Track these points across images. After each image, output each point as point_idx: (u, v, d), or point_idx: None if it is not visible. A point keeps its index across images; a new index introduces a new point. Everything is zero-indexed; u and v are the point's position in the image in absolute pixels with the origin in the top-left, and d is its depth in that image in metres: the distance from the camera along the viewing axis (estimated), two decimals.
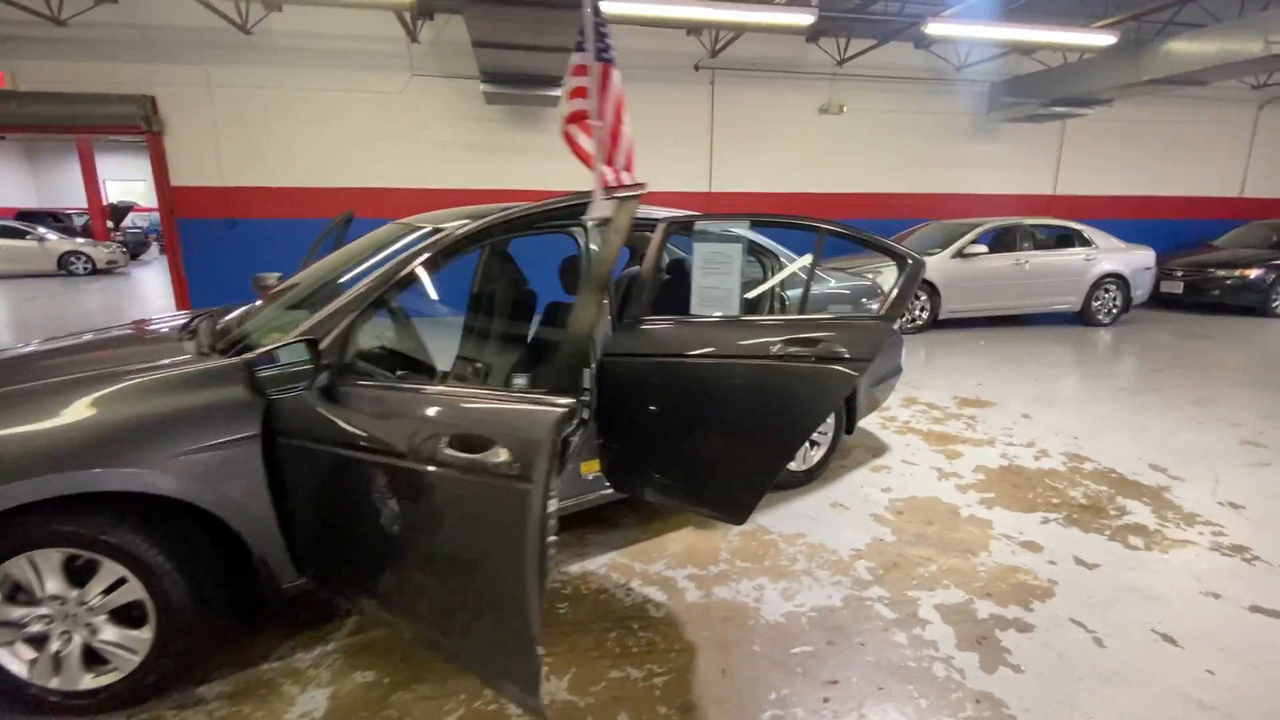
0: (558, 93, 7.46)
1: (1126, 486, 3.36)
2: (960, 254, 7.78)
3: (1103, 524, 2.95)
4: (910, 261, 2.54)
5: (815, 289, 3.20)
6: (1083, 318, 8.29)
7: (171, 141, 8.08)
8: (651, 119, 9.07)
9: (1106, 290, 8.23)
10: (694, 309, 2.52)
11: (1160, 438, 4.08)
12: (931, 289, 7.70)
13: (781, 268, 3.26)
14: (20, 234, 14.30)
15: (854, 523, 2.96)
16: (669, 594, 2.40)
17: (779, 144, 9.60)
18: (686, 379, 2.34)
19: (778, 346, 2.27)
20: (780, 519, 3.00)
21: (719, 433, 2.32)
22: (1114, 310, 8.33)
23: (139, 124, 7.74)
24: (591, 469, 2.60)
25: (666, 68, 8.97)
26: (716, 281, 2.48)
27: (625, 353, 2.43)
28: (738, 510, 2.24)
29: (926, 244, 8.19)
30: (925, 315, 7.77)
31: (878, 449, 3.90)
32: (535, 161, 8.91)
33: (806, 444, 3.32)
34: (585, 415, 2.54)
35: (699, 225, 2.60)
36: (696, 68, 9.06)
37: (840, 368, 2.24)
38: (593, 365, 2.50)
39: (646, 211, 2.80)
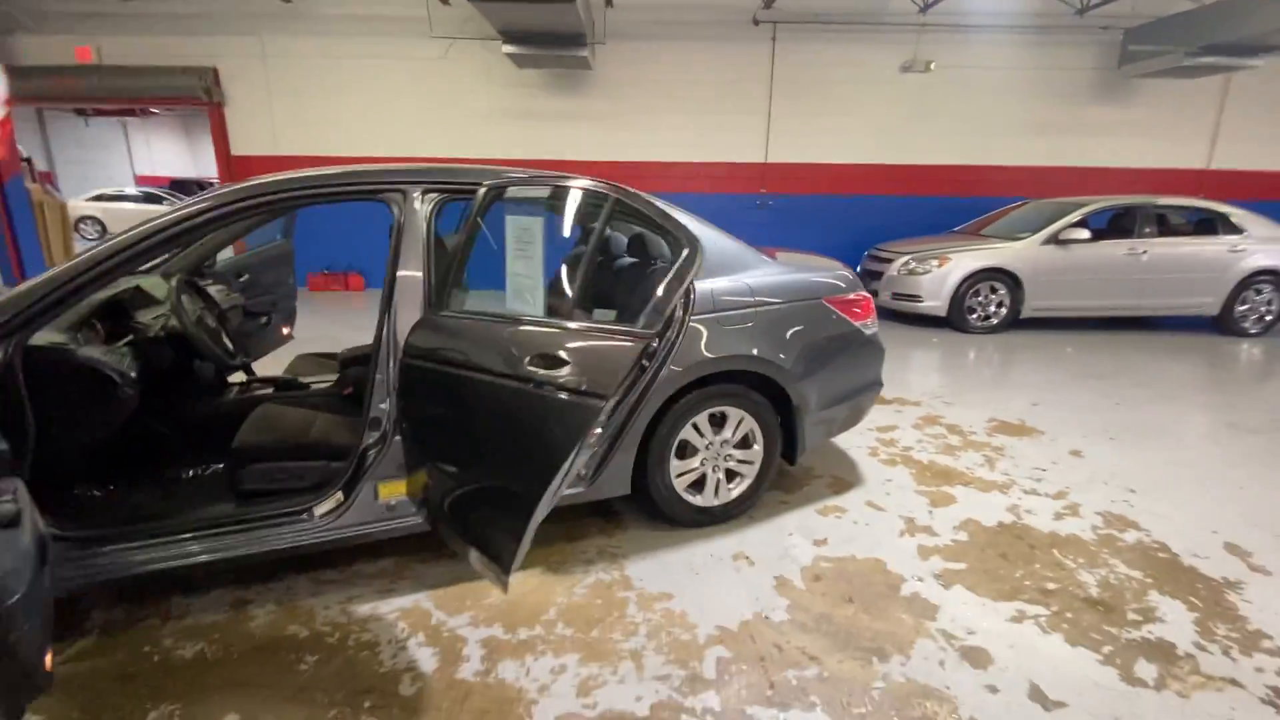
0: (584, 53, 6.89)
1: (1174, 575, 2.39)
2: (1055, 239, 6.41)
3: (1107, 633, 2.06)
4: (688, 250, 1.82)
5: (708, 285, 2.48)
6: (1222, 325, 6.61)
7: (231, 112, 8.43)
8: (701, 83, 8.27)
9: (1258, 291, 6.48)
10: (507, 303, 1.95)
11: (1260, 504, 2.94)
12: (1013, 280, 6.42)
13: (668, 250, 2.56)
14: (159, 200, 16.01)
15: (747, 586, 2.28)
16: (443, 663, 1.90)
17: (849, 108, 8.43)
18: (461, 390, 1.81)
19: (518, 362, 1.71)
20: (655, 570, 2.38)
21: (485, 462, 1.79)
22: (1268, 318, 6.55)
23: (200, 95, 8.12)
24: (396, 492, 2.14)
25: (718, 23, 8.09)
26: (524, 268, 1.89)
27: (418, 353, 1.94)
28: (500, 567, 1.69)
29: (1017, 227, 6.86)
30: (1003, 311, 6.50)
31: (845, 483, 3.11)
32: (574, 129, 8.45)
33: (722, 474, 2.65)
34: (385, 426, 2.09)
35: (513, 192, 2.01)
36: (755, 21, 8.09)
37: (567, 396, 1.63)
38: (390, 364, 2.03)
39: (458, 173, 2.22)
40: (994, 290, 6.50)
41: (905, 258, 6.79)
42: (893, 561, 2.45)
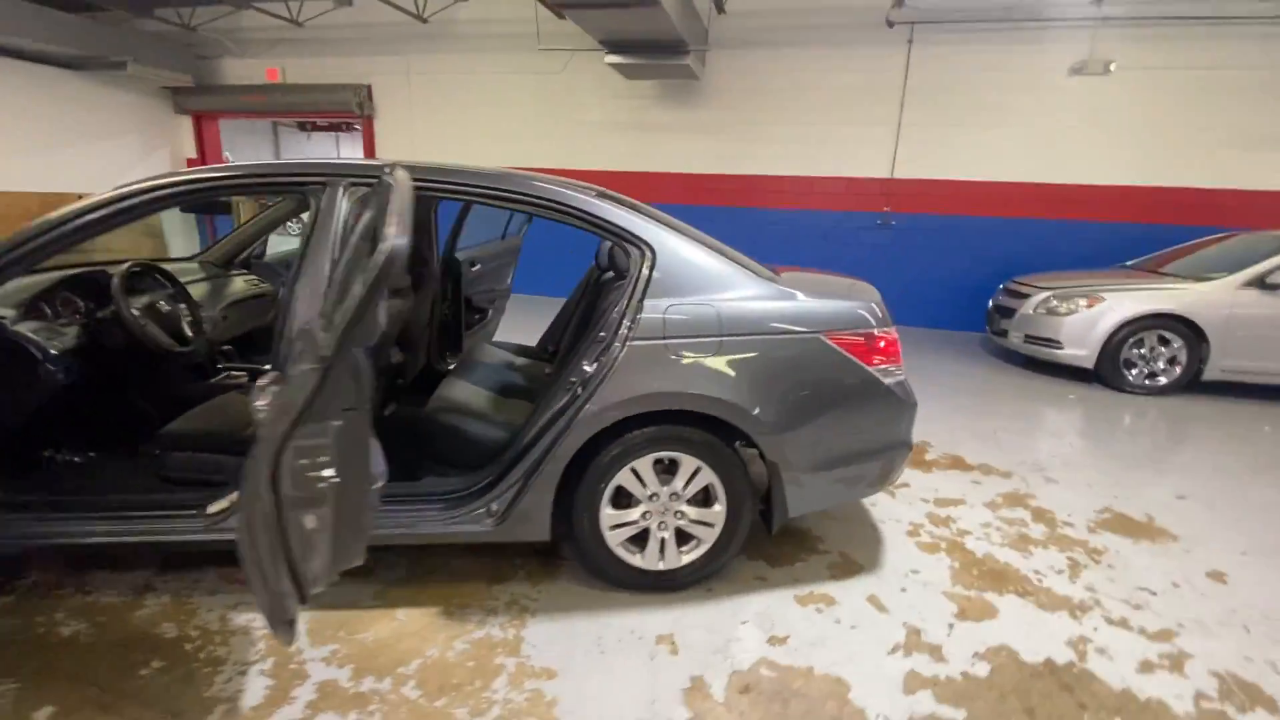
0: (685, 60, 6.63)
1: None
2: (1262, 282, 4.95)
3: None
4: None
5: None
6: None
7: (380, 125, 9.33)
8: (820, 91, 7.63)
9: None
10: None
11: None
12: (1193, 331, 5.05)
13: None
14: None
15: (651, 683, 1.83)
16: (267, 700, 1.71)
17: (998, 118, 7.27)
18: None
19: None
20: (556, 636, 2.01)
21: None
22: None
23: (354, 109, 9.07)
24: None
25: (843, 26, 7.40)
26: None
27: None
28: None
29: (1210, 265, 5.45)
30: (1176, 370, 5.14)
31: (854, 565, 2.49)
32: (684, 141, 8.20)
33: (669, 533, 2.21)
34: None
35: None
36: (890, 23, 7.29)
37: None
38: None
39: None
40: (1165, 342, 5.15)
41: (1045, 294, 5.64)
42: (860, 688, 1.85)
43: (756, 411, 2.08)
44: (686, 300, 2.12)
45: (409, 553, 2.39)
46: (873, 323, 2.26)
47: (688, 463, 2.15)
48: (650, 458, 2.13)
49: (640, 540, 2.22)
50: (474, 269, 3.58)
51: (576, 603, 2.18)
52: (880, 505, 3.01)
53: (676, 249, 2.18)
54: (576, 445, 2.05)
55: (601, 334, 2.09)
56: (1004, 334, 6.00)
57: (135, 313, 2.38)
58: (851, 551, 2.59)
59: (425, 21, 8.36)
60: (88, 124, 8.92)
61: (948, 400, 4.75)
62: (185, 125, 10.08)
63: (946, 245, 7.72)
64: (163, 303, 2.57)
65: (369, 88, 9.12)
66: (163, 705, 1.68)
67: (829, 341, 2.18)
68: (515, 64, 8.53)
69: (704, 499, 2.21)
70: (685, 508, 2.19)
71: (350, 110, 9.11)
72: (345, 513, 1.35)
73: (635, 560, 2.21)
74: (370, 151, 9.45)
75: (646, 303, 2.10)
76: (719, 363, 2.09)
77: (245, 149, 11.52)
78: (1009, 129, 7.30)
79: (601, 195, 2.27)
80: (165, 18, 8.87)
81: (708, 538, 2.22)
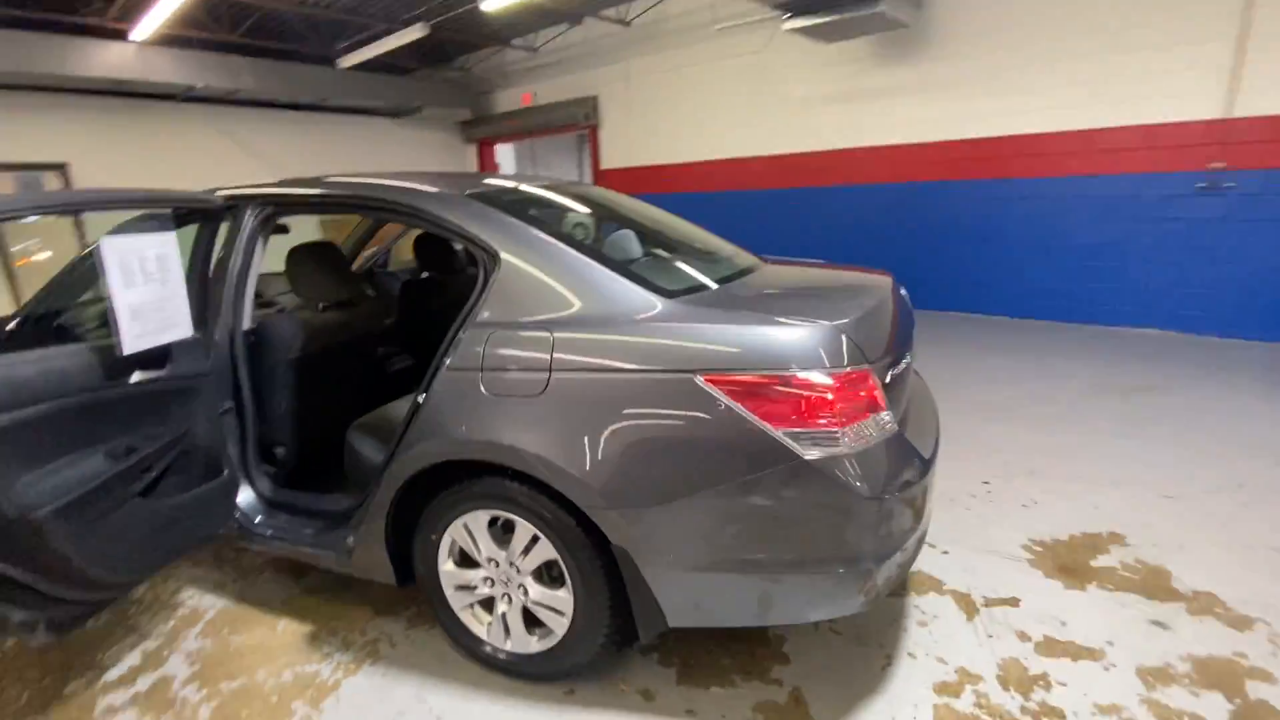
0: (880, 7, 5.40)
1: None
2: None
3: None
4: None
5: None
6: None
7: (603, 131, 9.91)
8: (1099, 5, 5.48)
9: None
10: None
11: None
12: None
13: None
14: None
15: None
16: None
17: None
18: None
19: None
20: (368, 698, 1.78)
21: None
22: None
23: (580, 121, 9.80)
24: None
25: None
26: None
27: None
28: None
29: None
30: None
31: (804, 704, 1.67)
32: (904, 106, 6.82)
33: (515, 611, 1.78)
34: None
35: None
36: None
37: None
38: None
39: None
40: None
41: None
42: None
43: (583, 475, 1.52)
44: (518, 322, 1.65)
45: None
46: (799, 359, 1.45)
47: (523, 527, 1.69)
48: (483, 514, 1.73)
49: (491, 608, 1.84)
50: None
51: (425, 662, 1.92)
52: (932, 620, 1.98)
53: (525, 255, 1.72)
54: (394, 488, 1.77)
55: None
56: None
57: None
58: (812, 693, 1.75)
59: (628, 25, 8.54)
60: (401, 158, 11.43)
61: (1228, 469, 2.95)
62: (472, 151, 12.23)
63: None
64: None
65: (595, 98, 9.73)
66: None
67: (705, 385, 1.46)
68: (712, 52, 8.15)
69: (553, 577, 1.72)
70: (529, 582, 1.74)
71: (578, 122, 9.86)
72: None
73: (479, 631, 1.84)
74: (595, 157, 10.11)
75: (473, 323, 1.70)
76: (541, 406, 1.58)
77: (554, 162, 13.29)
78: None
79: (481, 195, 1.91)
80: (451, 67, 10.84)
81: (557, 627, 1.72)
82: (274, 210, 2.11)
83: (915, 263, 7.07)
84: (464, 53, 10.64)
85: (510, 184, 2.20)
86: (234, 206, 2.11)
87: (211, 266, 2.02)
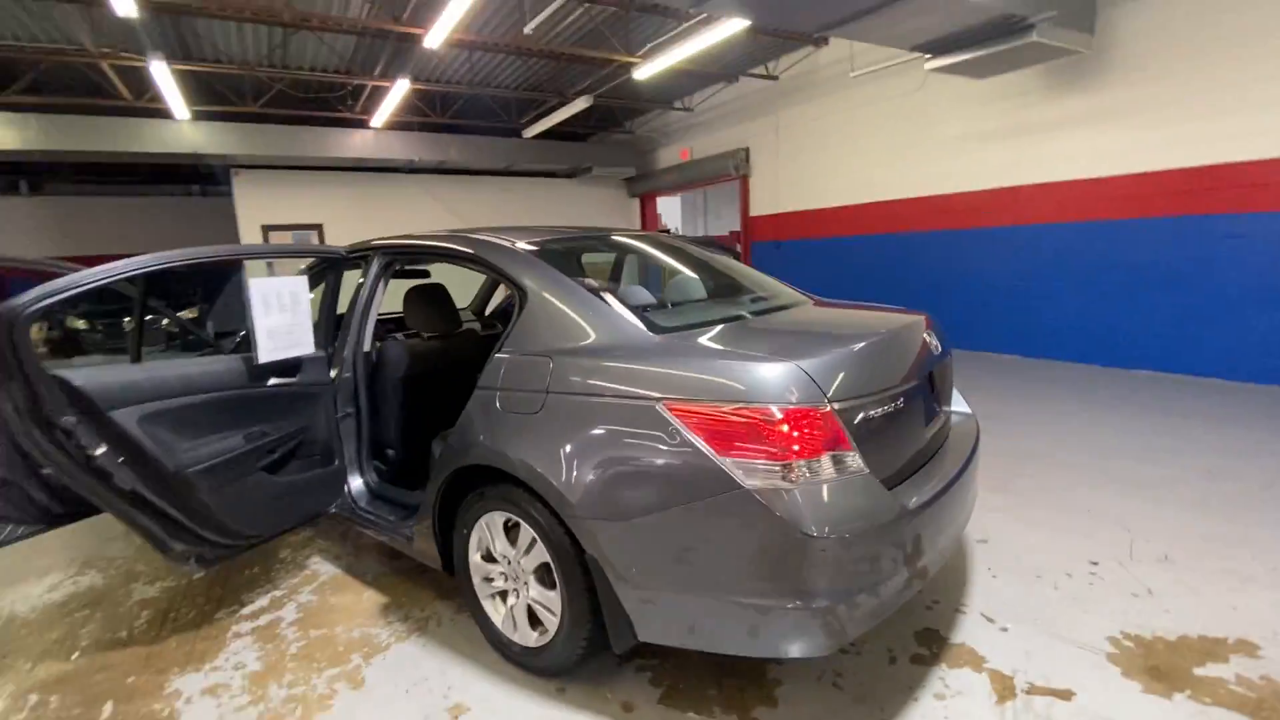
0: (1032, 37, 4.99)
1: None
2: None
3: None
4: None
5: None
6: None
7: (754, 180, 10.16)
8: None
9: None
10: None
11: None
12: None
13: None
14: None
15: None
16: None
17: None
18: None
19: None
20: (401, 664, 2.11)
21: None
22: None
23: (731, 172, 10.16)
24: None
25: None
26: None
27: None
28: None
29: None
30: None
31: None
32: (1077, 139, 6.14)
33: (520, 607, 2.01)
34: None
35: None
36: None
37: None
38: None
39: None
40: None
41: None
42: None
43: (561, 486, 1.72)
44: (529, 349, 1.93)
45: None
46: (754, 393, 1.53)
47: (525, 530, 1.92)
48: (499, 515, 2.01)
49: (506, 601, 2.09)
50: None
51: (458, 643, 2.21)
52: (953, 696, 1.81)
53: (548, 292, 2.00)
54: (438, 487, 2.12)
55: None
56: None
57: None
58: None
59: (776, 79, 8.76)
60: (575, 212, 12.71)
61: None
62: (635, 205, 13.21)
63: None
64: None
65: (747, 150, 10.06)
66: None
67: (664, 411, 1.60)
68: (860, 98, 8.04)
69: (547, 578, 1.92)
70: (531, 581, 1.96)
71: (729, 173, 10.24)
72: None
73: (496, 620, 2.09)
74: (744, 205, 10.36)
75: (504, 348, 2.01)
76: (538, 422, 1.82)
77: (724, 211, 14.01)
78: None
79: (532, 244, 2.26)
80: (620, 130, 11.94)
81: (550, 626, 1.91)
82: (391, 258, 2.66)
83: (1093, 312, 6.18)
84: (630, 117, 11.69)
85: (569, 235, 2.53)
86: (366, 255, 2.71)
87: (335, 301, 2.61)
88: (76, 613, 2.53)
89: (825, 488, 1.49)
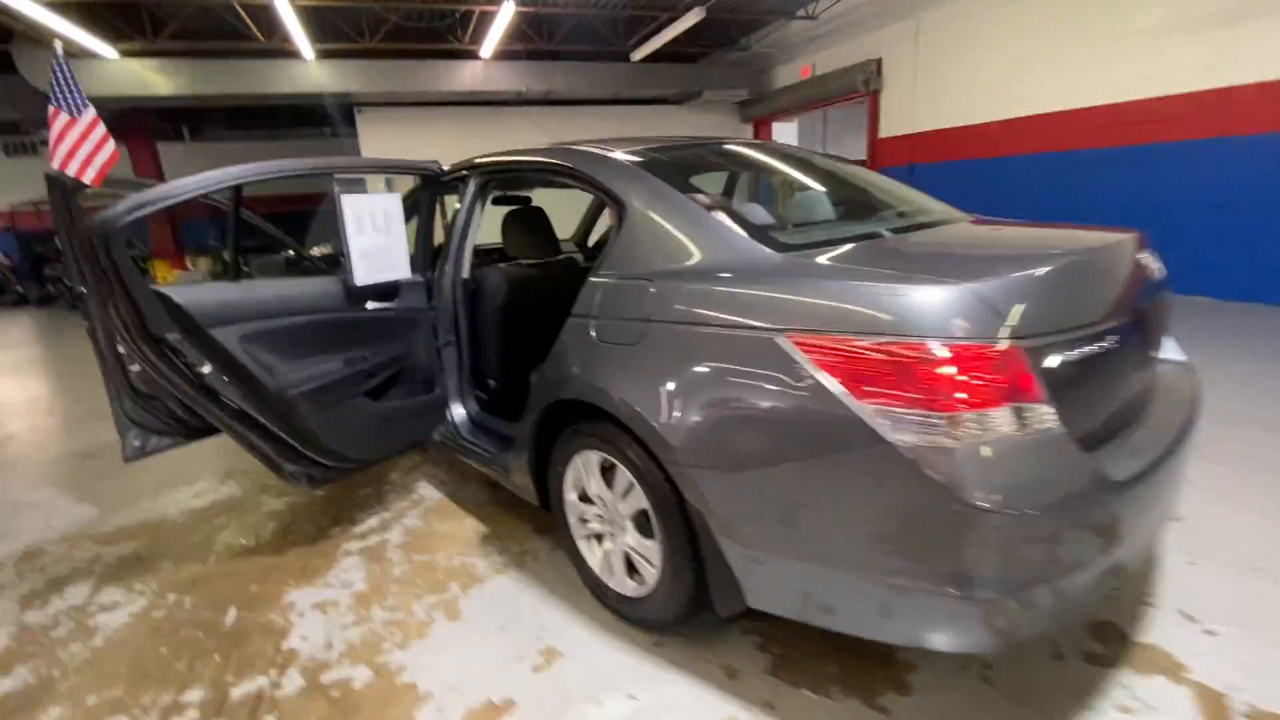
0: None
1: None
2: None
3: None
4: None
5: None
6: None
7: (886, 97, 9.05)
8: None
9: None
10: None
11: None
12: None
13: None
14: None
15: (494, 658, 1.71)
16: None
17: None
18: None
19: None
20: (497, 598, 2.06)
21: None
22: None
23: (860, 87, 9.09)
24: None
25: None
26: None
27: None
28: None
29: None
30: None
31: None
32: None
33: (620, 554, 1.85)
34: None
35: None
36: None
37: None
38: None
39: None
40: None
41: None
42: None
43: (662, 427, 1.50)
44: (629, 272, 1.68)
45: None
46: (907, 324, 1.20)
47: (622, 472, 1.74)
48: (594, 455, 1.83)
49: (602, 543, 1.95)
50: None
51: (552, 582, 2.12)
52: (1144, 711, 1.45)
53: (650, 206, 1.73)
54: (533, 420, 1.98)
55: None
56: None
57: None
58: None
59: None
60: None
61: None
62: (748, 131, 12.34)
63: None
64: None
65: (879, 62, 8.93)
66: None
67: (786, 345, 1.31)
68: None
69: (645, 525, 1.74)
70: (629, 528, 1.78)
71: (856, 90, 9.17)
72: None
73: (593, 564, 1.96)
74: (873, 125, 9.30)
75: (600, 271, 1.78)
76: (636, 355, 1.59)
77: (846, 139, 12.89)
78: None
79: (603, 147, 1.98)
80: (735, 48, 11.02)
81: (649, 577, 1.74)
82: (488, 178, 2.49)
83: None
84: (747, 31, 10.72)
85: (674, 144, 2.22)
86: (462, 177, 2.55)
87: (434, 223, 2.49)
88: (215, 518, 2.73)
89: (1002, 448, 1.15)
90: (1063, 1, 6.50)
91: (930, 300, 1.20)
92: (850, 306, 1.26)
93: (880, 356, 1.20)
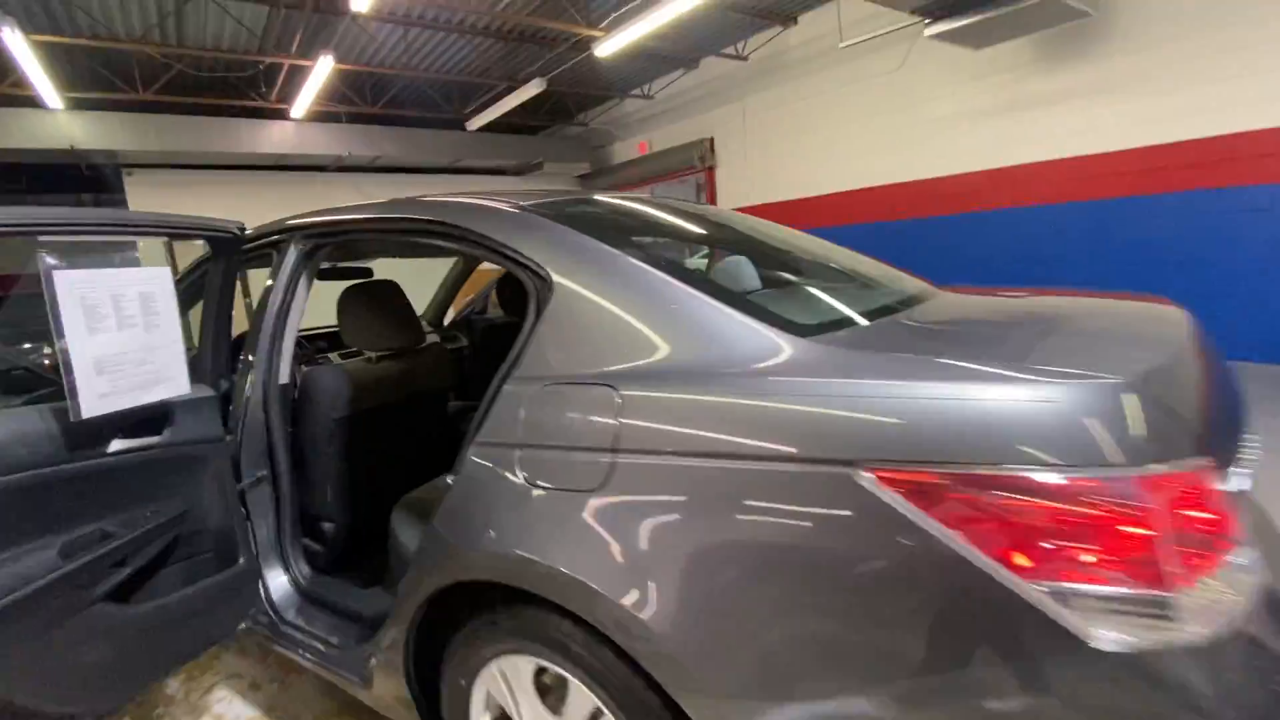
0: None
1: None
2: None
3: None
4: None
5: None
6: None
7: (720, 172, 9.53)
8: None
9: None
10: None
11: None
12: None
13: None
14: None
15: None
16: None
17: None
18: None
19: None
20: None
21: None
22: None
23: (695, 163, 9.50)
24: None
25: None
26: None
27: None
28: None
29: None
30: None
31: None
32: (1076, 112, 5.74)
33: None
34: None
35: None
36: None
37: None
38: None
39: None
40: None
41: None
42: None
43: (666, 633, 0.91)
44: (571, 375, 1.11)
45: None
46: (1065, 446, 0.76)
47: (579, 692, 1.10)
48: (525, 661, 1.17)
49: None
50: None
51: None
52: None
53: (589, 278, 1.18)
54: (414, 603, 1.26)
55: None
56: None
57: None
58: None
59: (745, 60, 8.17)
60: None
61: None
62: None
63: None
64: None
65: (711, 140, 9.42)
66: None
67: (875, 486, 0.81)
68: (838, 77, 7.51)
69: None
70: None
71: (694, 165, 9.57)
72: None
73: None
74: (711, 199, 9.71)
75: (514, 375, 1.18)
76: (600, 506, 1.00)
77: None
78: None
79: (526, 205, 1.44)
80: (573, 123, 11.10)
81: None
82: (315, 243, 1.78)
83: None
84: (584, 107, 10.87)
85: (594, 197, 1.72)
86: (275, 243, 1.82)
87: (230, 309, 1.71)
88: None
89: (1240, 627, 0.74)
90: (868, 94, 7.30)
91: (1084, 402, 0.78)
92: (963, 423, 0.81)
93: (1033, 500, 0.75)
